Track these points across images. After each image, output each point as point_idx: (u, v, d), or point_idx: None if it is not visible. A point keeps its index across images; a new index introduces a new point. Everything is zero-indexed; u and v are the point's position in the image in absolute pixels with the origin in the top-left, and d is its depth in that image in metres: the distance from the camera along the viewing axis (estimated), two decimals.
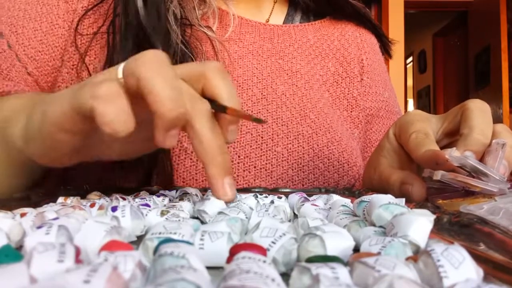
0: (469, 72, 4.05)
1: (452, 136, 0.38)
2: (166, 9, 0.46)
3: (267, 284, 0.12)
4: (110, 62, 0.45)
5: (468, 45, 4.06)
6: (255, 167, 0.50)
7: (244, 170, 0.50)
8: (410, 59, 5.45)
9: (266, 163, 0.51)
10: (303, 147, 0.53)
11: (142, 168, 0.45)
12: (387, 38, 0.71)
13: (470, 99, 0.37)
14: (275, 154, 0.51)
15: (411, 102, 5.51)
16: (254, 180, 0.50)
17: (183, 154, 0.47)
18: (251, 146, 0.51)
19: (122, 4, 0.46)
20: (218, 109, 0.31)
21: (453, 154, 0.31)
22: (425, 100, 5.05)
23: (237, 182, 0.49)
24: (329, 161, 0.54)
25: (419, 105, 5.26)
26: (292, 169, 0.52)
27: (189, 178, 0.47)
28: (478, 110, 0.35)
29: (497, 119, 3.39)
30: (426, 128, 0.37)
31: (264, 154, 0.51)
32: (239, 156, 0.50)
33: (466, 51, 4.10)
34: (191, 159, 0.47)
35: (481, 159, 0.33)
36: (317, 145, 0.54)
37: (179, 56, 0.46)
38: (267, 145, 0.51)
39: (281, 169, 0.51)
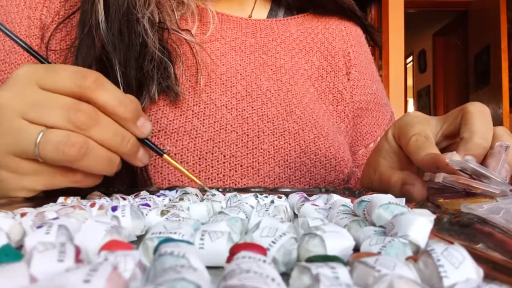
0: (469, 72, 4.04)
1: (451, 139, 0.38)
2: (139, 17, 0.44)
3: (267, 283, 0.12)
4: None
5: (468, 45, 4.06)
6: (241, 166, 0.50)
7: (230, 170, 0.49)
8: (410, 58, 5.45)
9: (253, 161, 0.50)
10: (290, 144, 0.52)
11: (125, 174, 0.44)
12: (374, 28, 0.71)
13: (470, 99, 0.37)
14: (261, 152, 0.51)
15: (411, 102, 5.51)
16: (241, 179, 0.49)
17: None
18: (236, 145, 0.50)
19: (81, 15, 0.45)
20: (154, 150, 0.37)
21: (453, 158, 0.31)
22: (425, 100, 5.05)
23: (224, 182, 0.49)
24: (316, 157, 0.54)
25: (419, 105, 5.25)
26: (279, 166, 0.51)
27: (174, 180, 0.47)
28: (479, 114, 0.34)
29: (497, 119, 3.39)
30: (426, 131, 0.36)
31: (250, 152, 0.50)
32: (224, 156, 0.49)
33: (466, 51, 4.10)
34: (175, 161, 0.47)
35: (483, 162, 0.33)
36: (304, 141, 0.53)
37: (156, 62, 0.46)
38: (253, 143, 0.51)
39: (268, 167, 0.51)
